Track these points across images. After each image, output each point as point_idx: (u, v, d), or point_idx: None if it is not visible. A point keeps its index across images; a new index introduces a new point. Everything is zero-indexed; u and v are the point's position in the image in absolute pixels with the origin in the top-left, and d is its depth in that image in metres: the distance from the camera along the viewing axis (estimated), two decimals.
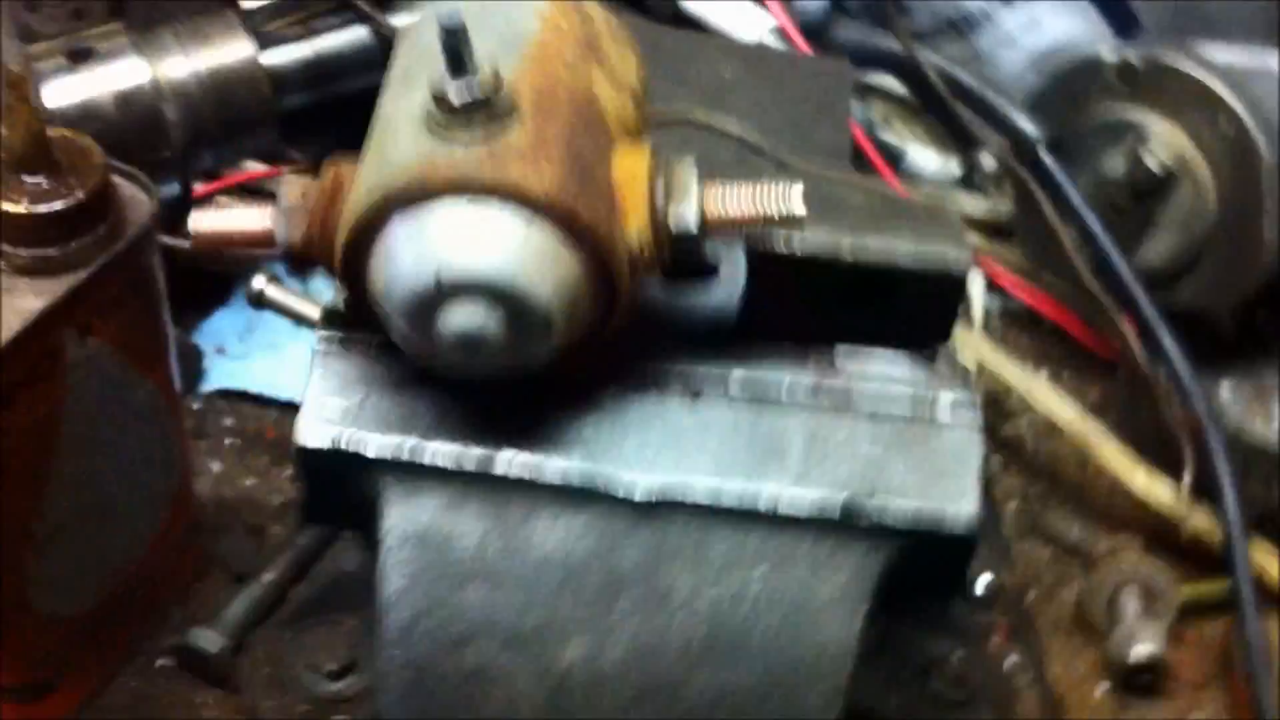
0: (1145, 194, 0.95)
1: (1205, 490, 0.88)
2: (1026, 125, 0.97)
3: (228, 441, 0.90)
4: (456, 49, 0.44)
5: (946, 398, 0.53)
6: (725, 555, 0.50)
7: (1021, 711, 0.82)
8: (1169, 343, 0.91)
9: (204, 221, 0.50)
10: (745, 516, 0.50)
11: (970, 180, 1.09)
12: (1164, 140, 0.94)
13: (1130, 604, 0.87)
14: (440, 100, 0.45)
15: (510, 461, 0.50)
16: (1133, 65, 0.96)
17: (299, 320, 0.83)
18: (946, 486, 0.51)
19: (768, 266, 0.53)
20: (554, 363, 0.48)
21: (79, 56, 0.81)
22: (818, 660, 0.50)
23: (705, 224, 0.47)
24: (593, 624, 0.50)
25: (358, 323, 0.51)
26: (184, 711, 0.77)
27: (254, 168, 0.97)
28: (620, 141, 0.49)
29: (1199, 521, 0.88)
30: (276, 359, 0.94)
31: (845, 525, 0.50)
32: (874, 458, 0.51)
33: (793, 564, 0.50)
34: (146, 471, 0.75)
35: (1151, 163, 0.94)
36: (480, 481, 0.50)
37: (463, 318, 0.45)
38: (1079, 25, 1.04)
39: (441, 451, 0.50)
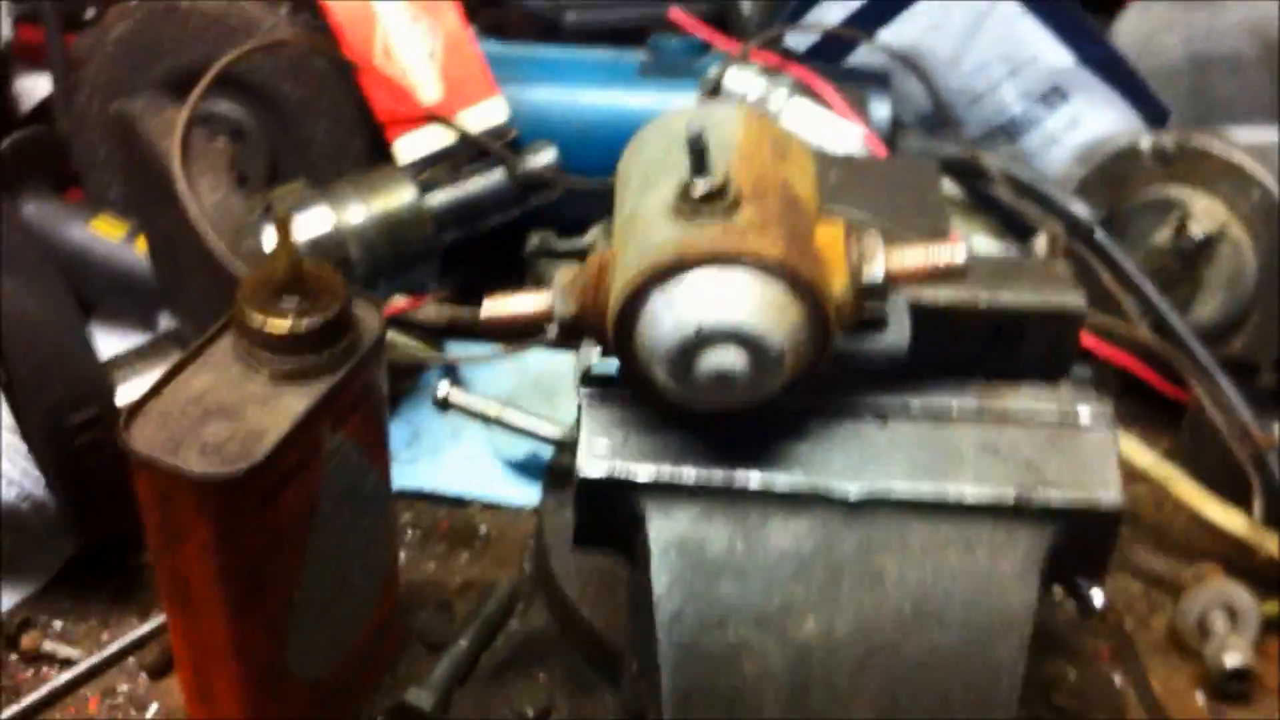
0: (1191, 260, 1.09)
1: (1273, 518, 1.00)
2: (1080, 210, 1.11)
3: (409, 534, 1.02)
4: (700, 153, 0.58)
5: (1084, 407, 0.66)
6: (923, 542, 0.62)
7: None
8: (1228, 387, 1.04)
9: (494, 308, 0.63)
10: (936, 510, 0.62)
11: None
12: (1203, 211, 1.08)
13: (1218, 621, 0.95)
14: (686, 193, 0.59)
15: (746, 478, 0.62)
16: (1167, 149, 1.10)
17: (478, 418, 0.95)
18: (1094, 476, 0.63)
19: (926, 318, 0.66)
20: (778, 396, 0.61)
21: (270, 210, 0.95)
22: (1005, 623, 0.61)
23: (890, 276, 0.60)
24: (823, 604, 0.61)
25: (613, 380, 0.64)
26: None
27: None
28: (813, 217, 0.62)
29: (1272, 545, 0.99)
30: (440, 462, 1.07)
31: (1016, 512, 0.62)
32: (1034, 457, 0.63)
33: (978, 546, 0.62)
34: (372, 553, 0.87)
35: (1195, 231, 1.07)
36: (723, 496, 0.62)
37: (718, 360, 0.58)
38: (1114, 120, 1.18)
39: (691, 474, 0.62)
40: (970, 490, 0.62)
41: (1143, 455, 1.05)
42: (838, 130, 1.04)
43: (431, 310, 1.14)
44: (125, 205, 1.09)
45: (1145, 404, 1.12)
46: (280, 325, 0.75)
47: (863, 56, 1.21)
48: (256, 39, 1.00)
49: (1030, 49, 1.18)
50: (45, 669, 0.90)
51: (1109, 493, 0.63)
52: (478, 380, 1.10)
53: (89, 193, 1.12)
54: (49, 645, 0.91)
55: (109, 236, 1.07)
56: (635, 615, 0.69)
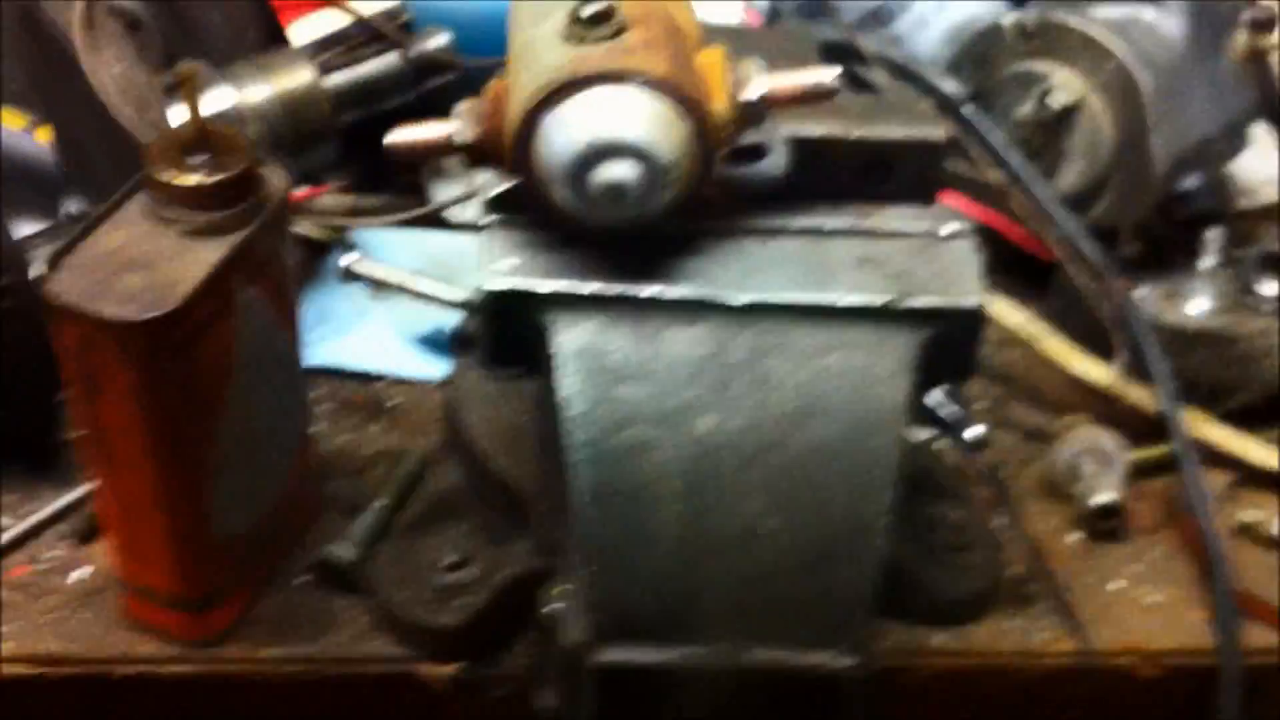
0: (1053, 130, 1.15)
1: (1136, 371, 1.07)
2: (950, 87, 1.17)
3: (321, 407, 1.05)
4: None
5: (948, 223, 0.72)
6: (806, 346, 0.67)
7: (1009, 558, 0.98)
8: (1090, 249, 1.10)
9: (398, 136, 0.67)
10: (817, 315, 0.68)
11: None
12: (1062, 82, 1.14)
13: (1087, 464, 1.02)
14: (576, 18, 0.63)
15: (644, 290, 0.67)
16: (1028, 26, 1.16)
17: (381, 285, 0.99)
18: (958, 282, 0.69)
19: (802, 150, 0.72)
20: (668, 214, 0.66)
21: (173, 89, 0.98)
22: (881, 417, 0.67)
23: (767, 97, 0.65)
24: (716, 404, 0.67)
25: (514, 204, 0.68)
26: (325, 617, 0.90)
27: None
28: (694, 43, 0.67)
29: (1136, 395, 1.07)
30: (348, 340, 1.10)
31: (889, 315, 0.68)
32: (904, 266, 0.69)
33: (856, 348, 0.68)
34: (287, 413, 0.90)
35: (1054, 102, 1.14)
36: (623, 306, 0.67)
37: (611, 173, 0.63)
38: (979, 3, 1.24)
39: (593, 287, 0.67)
40: (847, 296, 0.68)
41: (1013, 315, 1.11)
42: (718, 7, 1.08)
43: (330, 199, 1.17)
44: (26, 96, 1.11)
45: (1015, 272, 1.19)
46: (189, 180, 0.78)
47: None
48: None
49: None
50: None
51: (971, 296, 0.69)
52: (380, 259, 1.13)
53: None
54: None
55: (10, 127, 1.08)
56: (544, 429, 0.73)
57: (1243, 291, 1.10)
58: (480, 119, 0.66)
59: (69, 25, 0.88)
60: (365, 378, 1.08)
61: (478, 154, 0.66)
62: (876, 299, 0.68)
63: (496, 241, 0.68)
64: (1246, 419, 1.06)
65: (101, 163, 0.94)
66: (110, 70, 0.87)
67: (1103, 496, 1.00)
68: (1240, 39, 1.19)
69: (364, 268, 0.98)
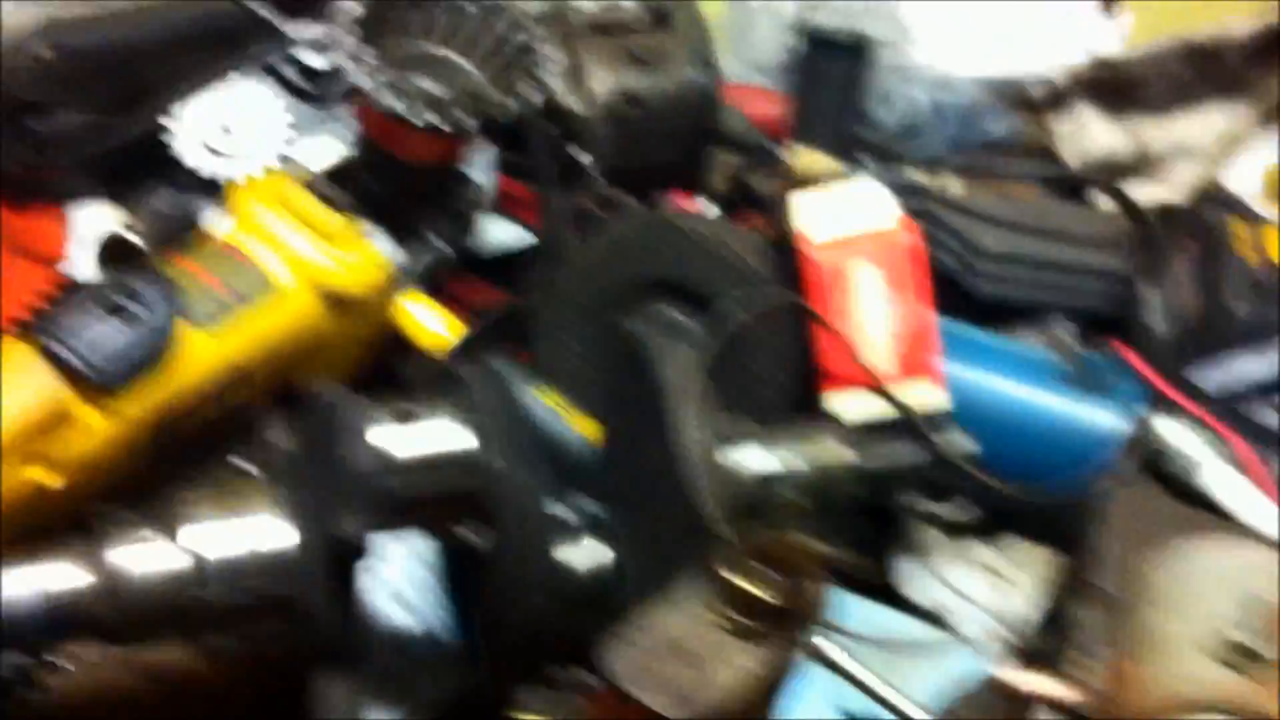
0: None
1: None
2: None
3: None
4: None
5: None
6: None
7: None
8: None
9: (1015, 679, 0.69)
10: None
11: None
12: None
13: None
14: (1235, 645, 0.64)
15: None
16: None
17: (840, 674, 0.98)
18: None
19: None
20: None
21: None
22: None
23: None
24: None
25: None
26: None
27: None
28: None
29: None
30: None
31: None
32: None
33: None
34: None
35: None
36: None
37: None
38: None
39: None
40: None
41: None
42: (1256, 508, 1.04)
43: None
44: (575, 385, 1.17)
45: None
46: (756, 591, 0.82)
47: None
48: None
49: None
50: None
51: None
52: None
53: (539, 361, 1.21)
54: None
55: (549, 404, 1.15)
56: None
57: None
58: (1098, 691, 0.66)
59: (667, 388, 0.93)
60: None
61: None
62: None
63: None
64: None
65: (648, 502, 0.99)
66: (692, 436, 0.92)
67: None
68: None
69: (834, 653, 0.97)
